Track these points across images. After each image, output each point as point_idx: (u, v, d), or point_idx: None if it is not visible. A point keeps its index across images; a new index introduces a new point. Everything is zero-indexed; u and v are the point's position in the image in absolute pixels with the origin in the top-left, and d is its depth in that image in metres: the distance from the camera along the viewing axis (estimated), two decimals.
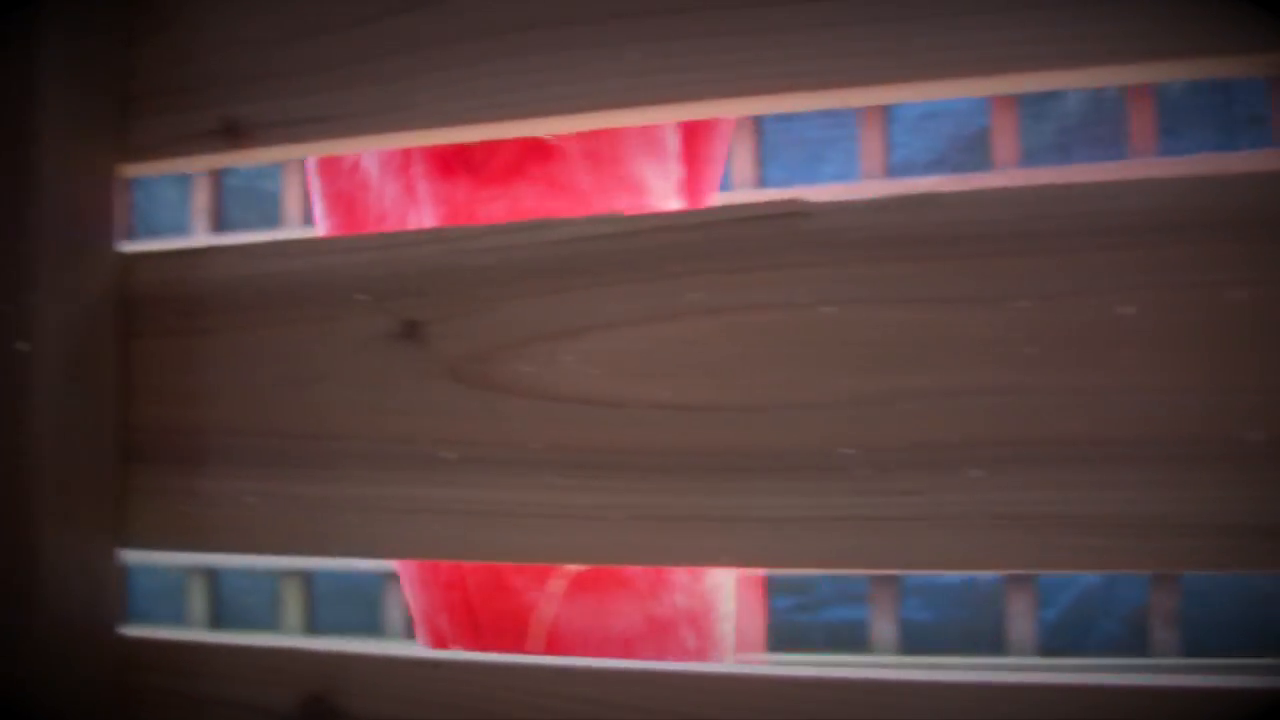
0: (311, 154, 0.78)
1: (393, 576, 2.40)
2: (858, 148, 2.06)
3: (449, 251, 0.72)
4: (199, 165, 0.80)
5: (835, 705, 0.65)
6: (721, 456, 0.67)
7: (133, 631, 0.80)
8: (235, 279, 0.77)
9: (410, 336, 0.72)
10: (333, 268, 0.74)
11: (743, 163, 1.95)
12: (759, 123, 2.06)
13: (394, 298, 0.73)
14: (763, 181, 2.08)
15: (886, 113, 1.94)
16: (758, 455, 0.66)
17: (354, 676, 0.74)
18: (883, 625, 2.04)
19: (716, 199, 1.17)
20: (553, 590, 0.82)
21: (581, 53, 0.70)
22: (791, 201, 0.67)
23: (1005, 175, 2.06)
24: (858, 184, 2.06)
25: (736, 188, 2.04)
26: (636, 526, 0.68)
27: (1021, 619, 2.11)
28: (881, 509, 0.64)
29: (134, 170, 0.80)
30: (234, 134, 0.77)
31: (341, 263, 0.74)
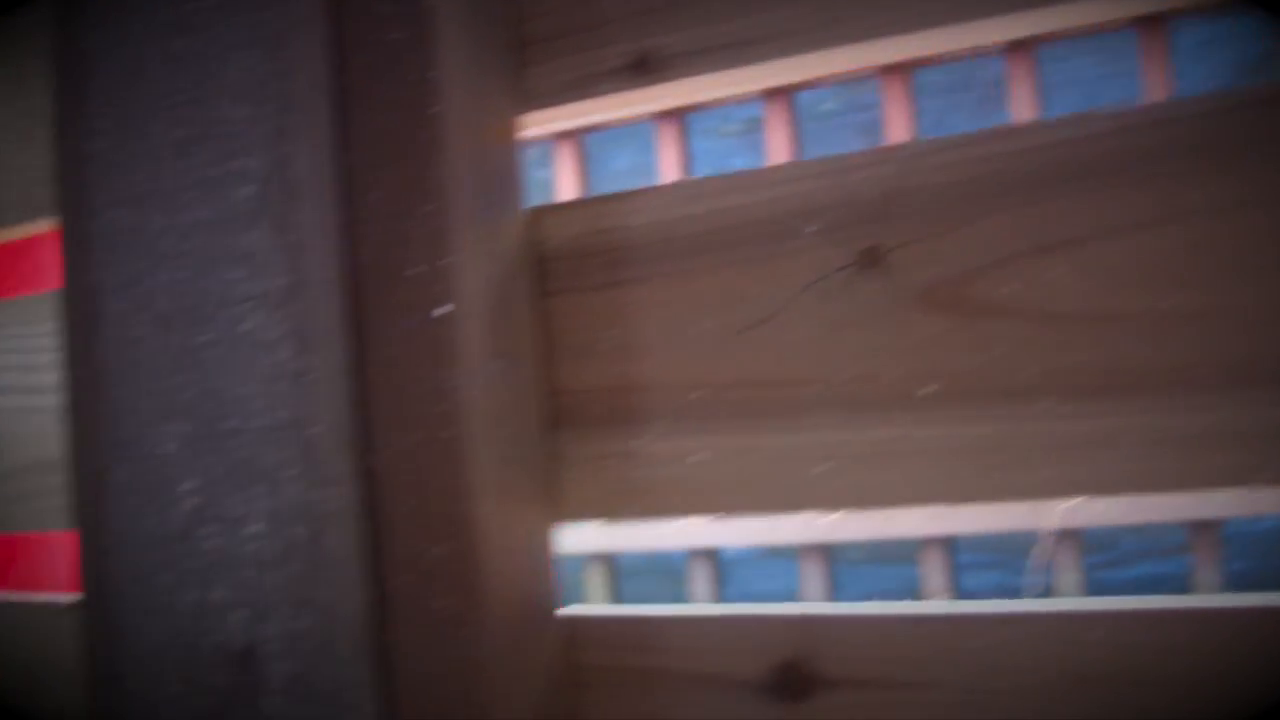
0: (731, 85, 0.72)
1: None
2: (1136, 82, 1.94)
3: (904, 171, 0.66)
4: (605, 107, 0.75)
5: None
6: (1247, 367, 0.59)
7: (571, 610, 0.75)
8: (663, 223, 0.72)
9: (870, 265, 0.66)
10: (774, 201, 0.69)
11: (1021, 103, 1.85)
12: (1036, 60, 1.95)
13: (847, 226, 0.67)
14: None
15: (1167, 42, 1.82)
16: None
17: (828, 639, 0.68)
18: (1206, 573, 1.92)
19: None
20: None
21: None
22: None
23: None
24: None
25: None
26: (1158, 453, 0.61)
27: None
28: None
29: (534, 119, 0.76)
30: (646, 68, 0.72)
31: (784, 194, 0.68)
